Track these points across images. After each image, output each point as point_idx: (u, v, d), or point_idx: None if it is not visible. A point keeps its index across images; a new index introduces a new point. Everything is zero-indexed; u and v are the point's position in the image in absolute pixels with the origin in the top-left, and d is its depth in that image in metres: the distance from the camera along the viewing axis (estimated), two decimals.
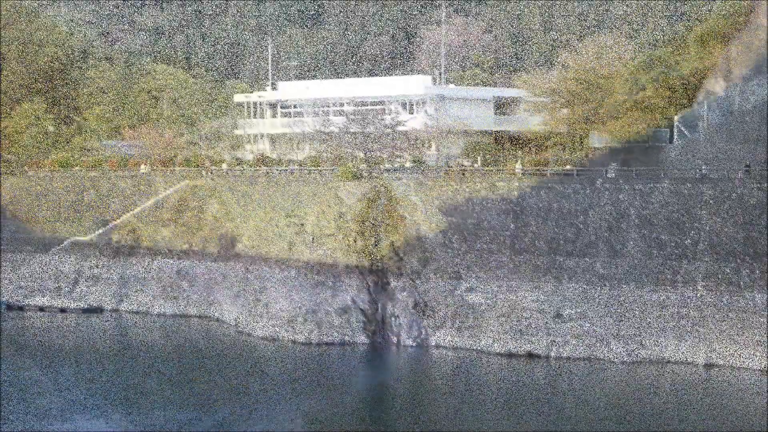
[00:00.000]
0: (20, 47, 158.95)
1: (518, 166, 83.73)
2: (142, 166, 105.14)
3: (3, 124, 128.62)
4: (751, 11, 78.87)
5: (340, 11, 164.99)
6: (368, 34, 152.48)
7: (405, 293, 74.66)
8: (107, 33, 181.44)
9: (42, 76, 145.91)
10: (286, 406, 60.65)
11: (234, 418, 56.45)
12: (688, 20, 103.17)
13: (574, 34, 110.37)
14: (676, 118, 78.43)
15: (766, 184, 63.32)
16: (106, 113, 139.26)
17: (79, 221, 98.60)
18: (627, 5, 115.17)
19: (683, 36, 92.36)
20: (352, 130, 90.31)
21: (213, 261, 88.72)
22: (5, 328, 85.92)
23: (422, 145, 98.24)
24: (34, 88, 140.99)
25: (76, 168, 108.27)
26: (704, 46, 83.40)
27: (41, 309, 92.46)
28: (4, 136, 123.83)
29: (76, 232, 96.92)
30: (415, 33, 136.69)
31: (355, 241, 76.33)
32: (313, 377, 68.20)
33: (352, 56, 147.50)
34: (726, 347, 62.47)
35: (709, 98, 77.09)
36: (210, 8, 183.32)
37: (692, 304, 64.48)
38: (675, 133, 77.76)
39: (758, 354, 60.44)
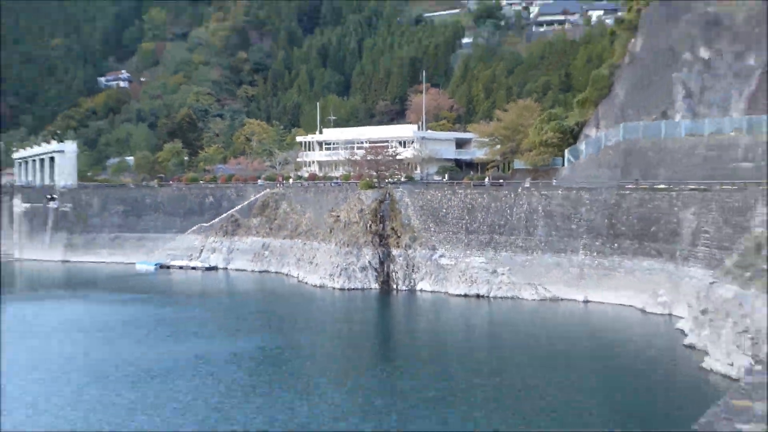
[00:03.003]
0: (166, 109, 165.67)
1: (468, 180, 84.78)
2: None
3: (156, 155, 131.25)
4: (611, 86, 79.34)
5: (360, 85, 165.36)
6: (378, 98, 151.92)
7: (401, 258, 76.56)
8: (219, 99, 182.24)
9: (180, 127, 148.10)
10: (330, 324, 62.64)
11: (299, 334, 57.56)
12: (572, 91, 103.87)
13: (504, 100, 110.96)
14: (566, 151, 79.32)
15: (617, 192, 63.79)
16: (218, 149, 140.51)
17: (201, 214, 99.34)
18: (535, 83, 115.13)
19: (570, 101, 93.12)
20: (368, 158, 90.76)
21: (283, 239, 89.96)
22: (159, 279, 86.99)
23: (411, 167, 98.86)
24: (175, 133, 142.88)
25: (200, 182, 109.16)
26: (582, 107, 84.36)
27: (180, 267, 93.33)
28: (157, 163, 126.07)
29: (201, 221, 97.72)
30: (407, 98, 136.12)
31: (370, 226, 77.37)
32: (346, 308, 69.31)
33: (368, 112, 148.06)
34: (596, 291, 63.61)
35: (586, 139, 78.46)
36: (281, 84, 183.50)
37: (575, 265, 66.20)
38: (565, 161, 78.64)
39: (614, 294, 61.36)
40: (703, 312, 48.70)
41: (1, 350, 50.59)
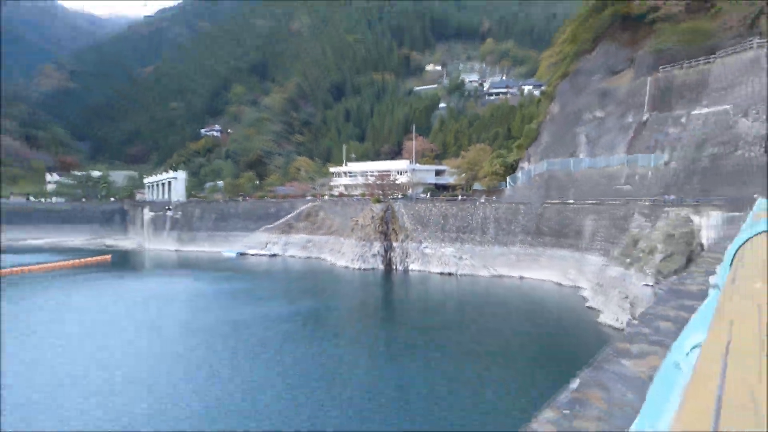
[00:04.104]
0: (244, 151, 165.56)
1: (444, 197, 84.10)
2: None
3: (238, 181, 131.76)
4: (537, 135, 79.03)
5: (372, 135, 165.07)
6: (383, 143, 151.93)
7: (398, 248, 75.40)
8: (279, 144, 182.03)
9: (253, 162, 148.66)
10: (352, 292, 62.00)
11: (331, 300, 57.48)
12: (512, 138, 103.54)
13: (466, 144, 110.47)
14: (508, 178, 78.85)
15: (542, 205, 63.36)
16: (278, 177, 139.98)
17: (266, 219, 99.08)
18: (487, 133, 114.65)
19: (510, 145, 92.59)
20: (377, 183, 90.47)
21: (321, 235, 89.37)
22: (238, 263, 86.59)
23: (405, 188, 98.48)
24: (250, 166, 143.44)
25: (266, 198, 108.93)
26: (519, 149, 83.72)
27: (252, 255, 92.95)
28: (238, 186, 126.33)
29: (266, 224, 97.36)
30: (402, 144, 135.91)
31: (378, 227, 76.81)
32: (362, 281, 68.81)
33: (376, 152, 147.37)
34: (528, 271, 63.29)
35: (521, 170, 77.72)
36: (320, 134, 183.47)
37: (514, 253, 65.91)
38: (507, 184, 78.12)
39: (540, 273, 60.90)
40: (598, 284, 48.68)
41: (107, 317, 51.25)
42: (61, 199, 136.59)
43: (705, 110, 50.82)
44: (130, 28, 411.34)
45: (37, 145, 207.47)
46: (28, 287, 63.27)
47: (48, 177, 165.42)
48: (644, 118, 59.46)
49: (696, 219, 40.22)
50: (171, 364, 34.87)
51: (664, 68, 57.30)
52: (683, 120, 53.45)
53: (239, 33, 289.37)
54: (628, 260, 44.34)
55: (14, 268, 75.65)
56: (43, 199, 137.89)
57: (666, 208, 44.74)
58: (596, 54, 70.20)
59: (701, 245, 38.50)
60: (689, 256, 38.47)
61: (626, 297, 41.65)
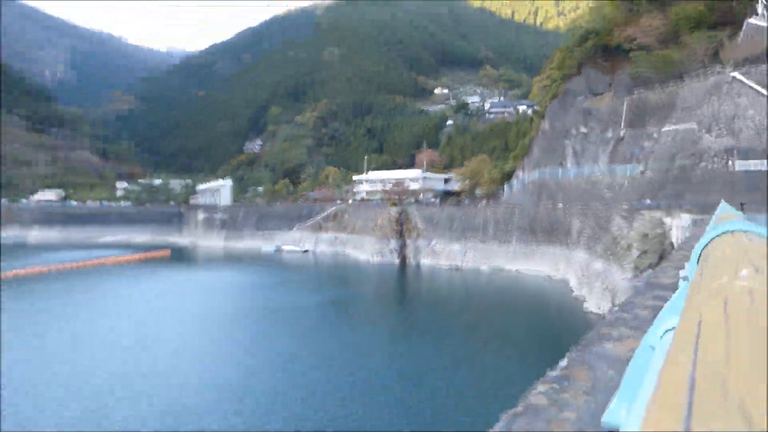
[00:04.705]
0: (281, 163, 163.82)
1: (450, 201, 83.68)
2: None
3: (275, 187, 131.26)
4: (530, 148, 78.36)
5: (389, 148, 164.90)
6: (399, 156, 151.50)
7: (412, 245, 74.97)
8: (310, 156, 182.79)
9: (288, 172, 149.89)
10: (373, 282, 60.62)
11: (355, 288, 56.88)
12: (508, 151, 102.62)
13: (470, 156, 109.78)
14: (505, 185, 78.26)
15: (535, 208, 62.92)
16: (310, 183, 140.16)
17: (300, 219, 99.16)
18: (487, 146, 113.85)
19: (507, 156, 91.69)
20: (393, 189, 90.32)
21: (347, 233, 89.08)
22: (275, 257, 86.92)
23: (417, 194, 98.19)
24: (285, 175, 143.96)
25: (299, 202, 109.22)
26: (514, 160, 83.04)
27: (288, 250, 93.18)
28: (276, 191, 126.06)
29: (299, 224, 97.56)
30: (415, 156, 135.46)
31: (394, 227, 76.55)
32: (380, 273, 68.74)
33: (393, 163, 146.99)
34: (523, 264, 62.56)
35: (516, 178, 76.90)
36: (345, 147, 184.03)
37: (511, 250, 64.69)
38: (505, 190, 77.49)
39: (533, 267, 60.43)
40: (584, 277, 47.93)
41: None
42: (128, 203, 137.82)
43: (674, 127, 50.27)
44: (186, 59, 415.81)
45: (109, 158, 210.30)
46: (105, 276, 64.86)
47: (118, 185, 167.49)
48: (622, 133, 58.77)
49: (668, 221, 39.60)
50: (217, 342, 35.15)
51: (639, 91, 56.70)
52: (655, 135, 52.81)
53: (277, 63, 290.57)
54: (609, 256, 43.78)
55: (93, 260, 77.92)
56: (114, 203, 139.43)
57: (642, 211, 44.15)
58: (580, 78, 69.46)
59: (672, 244, 37.89)
60: (662, 253, 37.84)
61: (607, 288, 41.03)
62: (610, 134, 61.99)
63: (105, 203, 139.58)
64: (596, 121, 65.23)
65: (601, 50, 64.76)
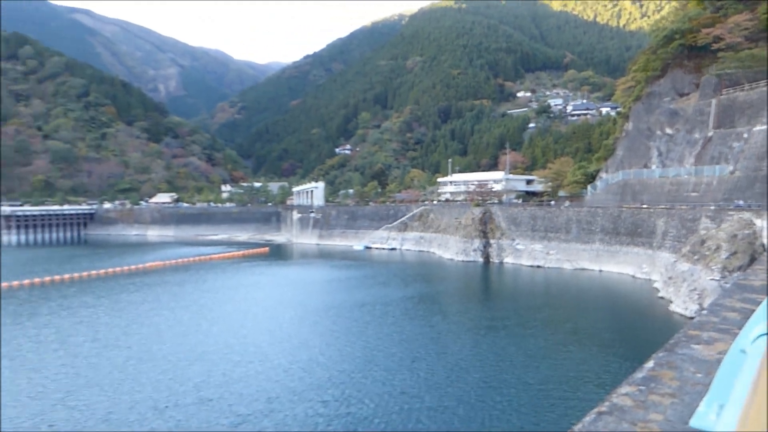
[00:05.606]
0: (369, 165, 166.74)
1: (533, 202, 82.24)
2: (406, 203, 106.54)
3: (364, 189, 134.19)
4: (614, 149, 75.76)
5: (473, 150, 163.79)
6: (482, 157, 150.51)
7: (495, 244, 74.43)
8: (397, 159, 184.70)
9: (376, 174, 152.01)
10: (458, 279, 61.32)
11: (439, 285, 57.33)
12: (592, 152, 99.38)
13: (552, 157, 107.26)
14: (589, 186, 76.17)
15: (618, 209, 61.08)
16: (397, 185, 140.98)
17: (387, 219, 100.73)
18: (570, 148, 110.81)
19: (590, 158, 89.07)
20: (477, 190, 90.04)
21: (431, 233, 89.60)
22: (365, 254, 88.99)
23: (500, 195, 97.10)
24: (374, 177, 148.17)
25: (387, 203, 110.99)
26: (598, 161, 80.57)
27: (376, 248, 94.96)
28: (365, 193, 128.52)
29: (387, 223, 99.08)
30: (498, 157, 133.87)
31: (478, 227, 76.36)
32: (465, 271, 68.87)
33: (477, 165, 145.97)
34: (606, 265, 61.20)
35: (600, 179, 74.67)
36: (430, 150, 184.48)
37: (594, 250, 63.38)
38: (588, 191, 75.39)
39: (617, 267, 58.73)
40: (669, 278, 46.18)
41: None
42: (232, 204, 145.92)
43: (765, 127, 47.34)
44: (283, 71, 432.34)
45: (215, 163, 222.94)
46: (217, 269, 69.57)
47: (223, 187, 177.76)
48: (709, 134, 55.94)
49: (758, 222, 37.61)
50: (311, 330, 37.12)
51: (727, 90, 53.79)
52: (745, 135, 49.95)
53: (365, 71, 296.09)
54: (696, 257, 42.02)
55: (202, 257, 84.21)
56: (219, 205, 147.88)
57: (730, 212, 42.08)
58: (665, 79, 66.63)
59: (763, 245, 35.97)
60: (752, 254, 36.01)
61: (694, 289, 39.50)
62: (697, 135, 59.09)
63: (212, 204, 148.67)
64: (682, 122, 62.33)
65: (686, 50, 61.92)
